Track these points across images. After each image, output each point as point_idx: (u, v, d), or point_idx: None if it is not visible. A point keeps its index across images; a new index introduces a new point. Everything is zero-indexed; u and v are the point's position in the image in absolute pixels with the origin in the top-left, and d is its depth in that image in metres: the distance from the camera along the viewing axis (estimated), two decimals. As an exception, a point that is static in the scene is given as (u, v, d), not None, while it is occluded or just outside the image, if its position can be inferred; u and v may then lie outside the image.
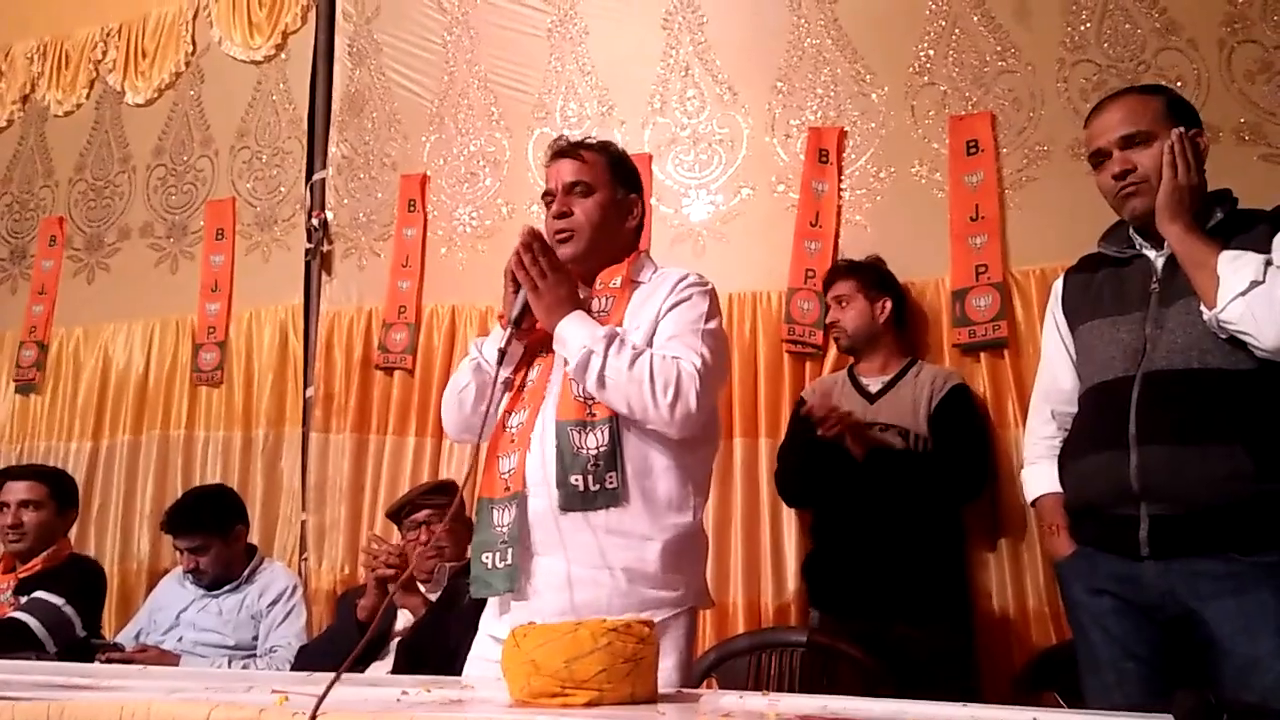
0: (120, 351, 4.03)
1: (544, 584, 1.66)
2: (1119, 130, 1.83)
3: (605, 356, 1.63)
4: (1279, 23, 2.76)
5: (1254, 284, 1.63)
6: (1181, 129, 1.78)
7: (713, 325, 1.75)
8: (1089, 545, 1.83)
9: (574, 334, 1.67)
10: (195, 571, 2.92)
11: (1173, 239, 1.75)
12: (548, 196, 1.85)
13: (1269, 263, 1.66)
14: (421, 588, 2.53)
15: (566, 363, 1.69)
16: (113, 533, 3.82)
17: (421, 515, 2.67)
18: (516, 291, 1.73)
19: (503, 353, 1.73)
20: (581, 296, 1.80)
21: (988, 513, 2.75)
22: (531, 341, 1.82)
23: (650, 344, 1.72)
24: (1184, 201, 1.75)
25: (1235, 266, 1.66)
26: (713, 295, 1.80)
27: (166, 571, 3.31)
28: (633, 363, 1.63)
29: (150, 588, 3.29)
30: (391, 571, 2.35)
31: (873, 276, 2.78)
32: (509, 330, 1.73)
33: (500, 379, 1.77)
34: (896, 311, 2.76)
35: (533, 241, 1.71)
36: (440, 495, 2.71)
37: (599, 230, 1.80)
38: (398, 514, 2.75)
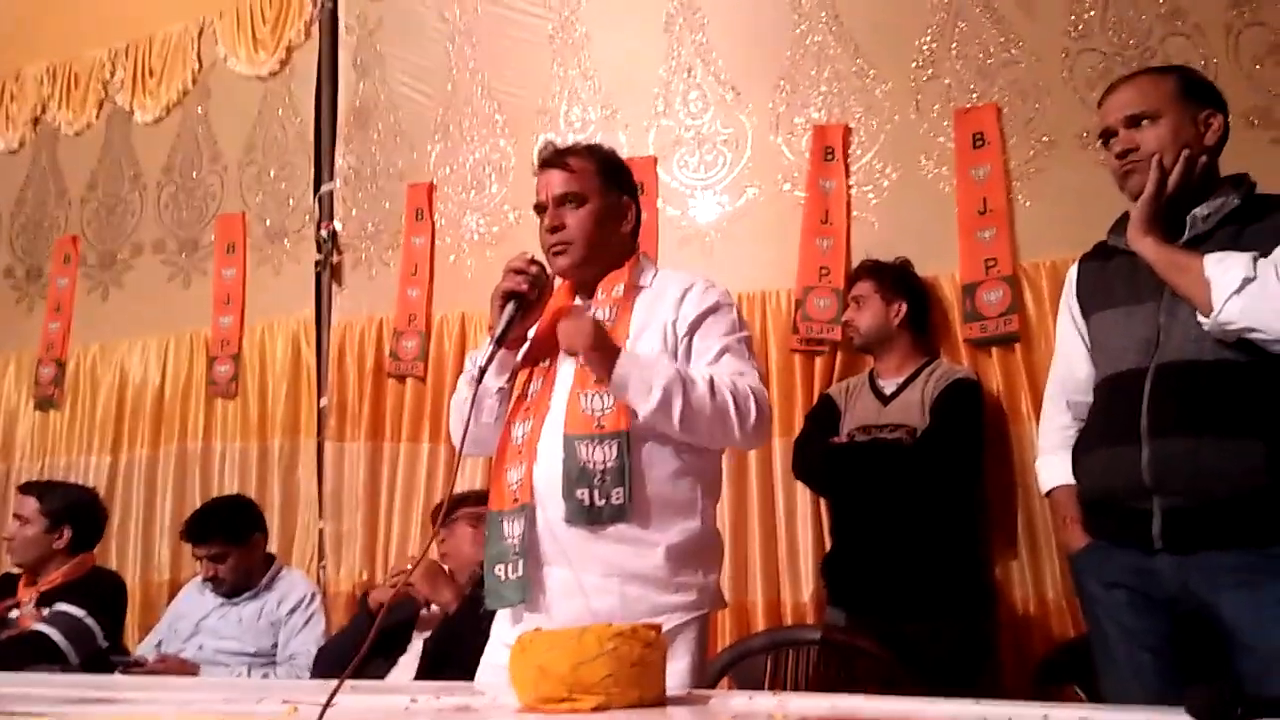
0: (136, 366, 4.07)
1: (555, 594, 1.66)
2: (1125, 110, 1.82)
3: (685, 397, 1.61)
4: (1286, 3, 2.73)
5: (1246, 280, 1.60)
6: (1189, 154, 1.76)
7: (747, 333, 1.79)
8: (1103, 539, 1.81)
9: (638, 380, 1.61)
10: (214, 579, 2.95)
11: (1147, 253, 1.74)
12: (539, 209, 1.82)
13: (1257, 258, 1.63)
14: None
15: (630, 400, 1.62)
16: (134, 545, 3.87)
17: (481, 510, 2.65)
18: (503, 307, 1.72)
19: (483, 370, 1.70)
20: (582, 305, 1.81)
21: (1008, 506, 2.74)
22: (531, 350, 1.82)
23: (675, 354, 1.71)
24: (1155, 216, 1.74)
25: (1224, 267, 1.64)
26: (732, 301, 1.81)
27: (188, 582, 3.34)
28: (712, 395, 1.63)
29: (172, 599, 3.31)
30: (524, 288, 1.73)
31: (891, 278, 2.77)
32: (491, 347, 1.71)
33: (495, 389, 1.77)
34: (915, 313, 2.75)
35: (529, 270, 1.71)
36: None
37: (593, 240, 1.78)
38: (437, 513, 2.76)
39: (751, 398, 1.67)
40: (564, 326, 1.62)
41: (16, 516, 2.92)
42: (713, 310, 1.75)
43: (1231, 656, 1.62)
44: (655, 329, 1.74)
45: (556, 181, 1.80)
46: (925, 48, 3.09)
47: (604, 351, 1.60)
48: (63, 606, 2.75)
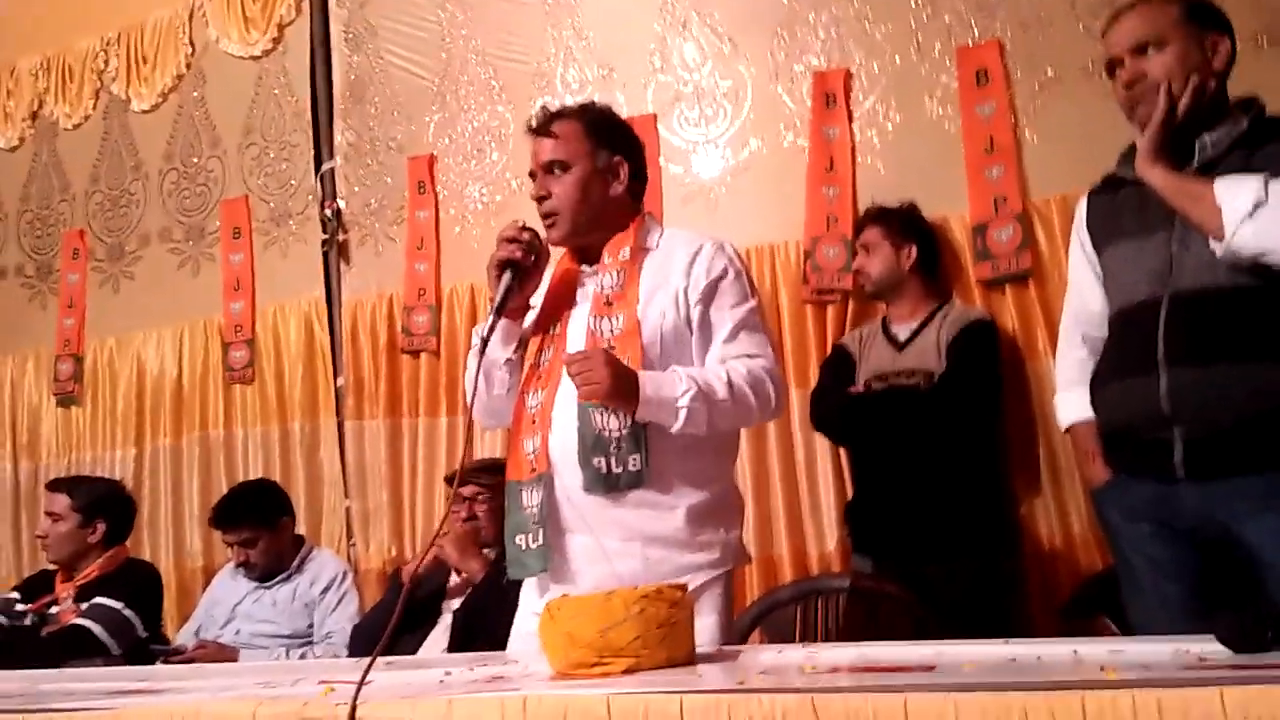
0: (153, 357, 4.09)
1: (579, 561, 1.67)
2: (1131, 38, 1.78)
3: (709, 406, 1.63)
4: (1295, -84, 2.66)
5: (1258, 204, 1.58)
6: (1197, 80, 1.72)
7: (756, 301, 1.78)
8: (1124, 471, 1.81)
9: (661, 407, 1.63)
10: (246, 564, 2.99)
11: (1156, 182, 1.71)
12: (533, 176, 1.82)
13: (1267, 180, 1.60)
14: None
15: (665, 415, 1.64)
16: (165, 534, 3.91)
17: (468, 490, 2.69)
18: (499, 278, 1.72)
19: (485, 341, 1.72)
20: (588, 271, 1.80)
21: (1029, 443, 2.74)
22: (539, 318, 1.82)
23: (688, 321, 1.72)
24: (1163, 144, 1.71)
25: (1235, 192, 1.61)
26: (741, 264, 1.80)
27: (221, 568, 3.38)
28: (732, 394, 1.65)
29: (206, 585, 3.36)
30: (518, 256, 1.75)
31: (899, 222, 2.75)
32: (491, 318, 1.72)
33: (504, 360, 1.78)
34: (925, 256, 2.73)
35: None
36: (489, 474, 2.72)
37: (581, 207, 1.77)
38: (453, 479, 2.79)
39: (767, 381, 1.70)
40: (575, 374, 1.61)
41: (49, 514, 2.95)
42: (723, 277, 1.74)
43: (1258, 580, 1.62)
44: (666, 293, 1.73)
45: (544, 149, 1.79)
46: (923, -16, 3.03)
47: (626, 387, 1.60)
48: (101, 599, 2.79)
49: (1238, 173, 1.66)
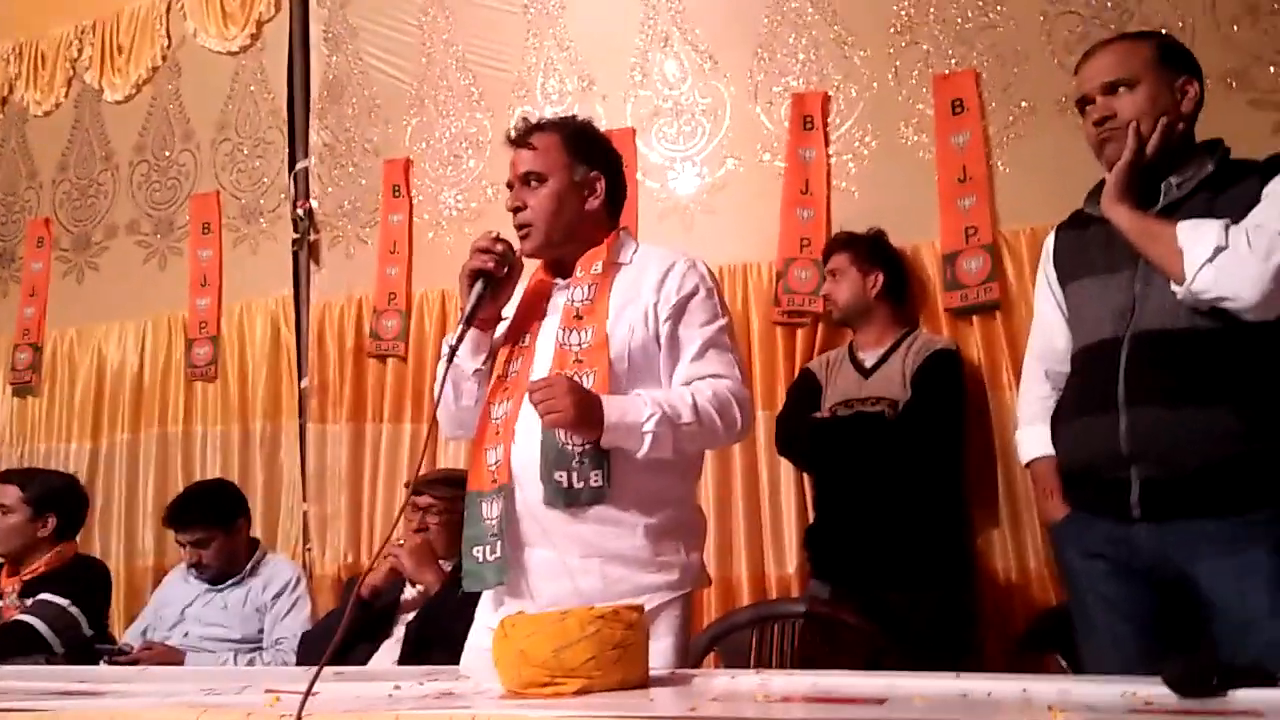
0: (114, 350, 4.03)
1: (536, 575, 1.66)
2: (1103, 76, 1.80)
3: (674, 430, 1.62)
4: (1264, -35, 2.71)
5: (1218, 249, 1.60)
6: (1166, 121, 1.74)
7: (726, 320, 1.78)
8: (1082, 509, 1.82)
9: (627, 433, 1.61)
10: (199, 565, 2.93)
11: (1121, 221, 1.74)
12: (510, 186, 1.82)
13: (1228, 225, 1.63)
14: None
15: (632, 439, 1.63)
16: (117, 531, 3.85)
17: (423, 501, 2.66)
18: (471, 287, 1.72)
19: (453, 350, 1.71)
20: (560, 284, 1.79)
21: (989, 475, 2.75)
22: (511, 328, 1.81)
23: (656, 337, 1.71)
24: (1130, 184, 1.74)
25: (1196, 236, 1.63)
26: (713, 282, 1.79)
27: (173, 568, 3.32)
28: (698, 417, 1.64)
29: (157, 585, 3.30)
30: (490, 266, 1.74)
31: (867, 249, 2.76)
32: (460, 327, 1.71)
33: (472, 370, 1.77)
34: (892, 284, 2.74)
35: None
36: (445, 487, 2.69)
37: (555, 220, 1.76)
38: (409, 492, 2.76)
39: (734, 403, 1.68)
40: (538, 402, 1.60)
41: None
42: (693, 295, 1.74)
43: (1210, 624, 1.63)
44: (636, 308, 1.72)
45: (521, 160, 1.79)
46: (903, 13, 3.06)
47: (590, 414, 1.59)
48: (46, 595, 2.73)
49: (1202, 215, 1.68)
